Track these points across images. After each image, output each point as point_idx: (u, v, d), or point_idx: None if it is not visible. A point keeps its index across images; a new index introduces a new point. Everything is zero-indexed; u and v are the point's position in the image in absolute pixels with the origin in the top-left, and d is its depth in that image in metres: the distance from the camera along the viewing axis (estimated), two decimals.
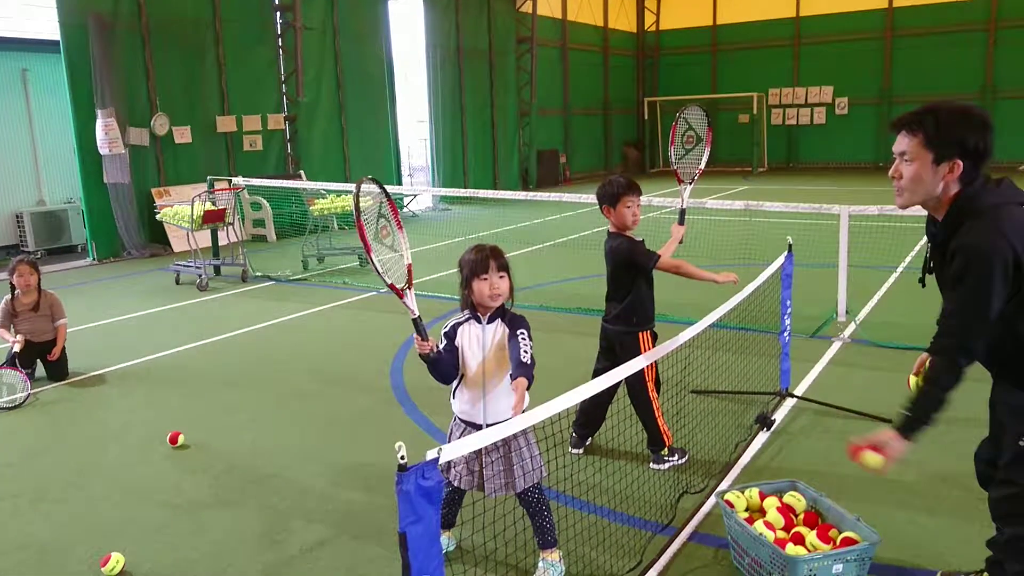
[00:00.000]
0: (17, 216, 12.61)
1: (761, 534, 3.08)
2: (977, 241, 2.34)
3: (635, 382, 4.07)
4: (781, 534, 3.17)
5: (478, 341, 3.10)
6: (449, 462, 2.89)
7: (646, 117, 27.01)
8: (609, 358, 4.20)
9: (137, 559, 3.51)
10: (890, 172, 2.54)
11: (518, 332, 3.04)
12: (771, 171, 25.04)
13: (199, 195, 9.79)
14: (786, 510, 3.32)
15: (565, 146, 23.99)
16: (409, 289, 2.87)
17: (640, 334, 4.15)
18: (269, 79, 14.67)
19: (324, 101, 15.58)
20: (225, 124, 13.81)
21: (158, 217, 11.00)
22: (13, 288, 6.20)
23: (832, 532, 3.13)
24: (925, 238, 2.67)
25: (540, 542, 3.25)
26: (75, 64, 11.57)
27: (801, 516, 3.31)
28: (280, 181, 13.11)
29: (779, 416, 4.88)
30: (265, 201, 13.28)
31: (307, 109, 15.16)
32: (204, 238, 10.86)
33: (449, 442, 3.00)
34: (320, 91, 15.46)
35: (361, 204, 2.79)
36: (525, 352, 2.95)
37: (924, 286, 2.74)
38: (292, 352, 6.80)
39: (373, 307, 8.40)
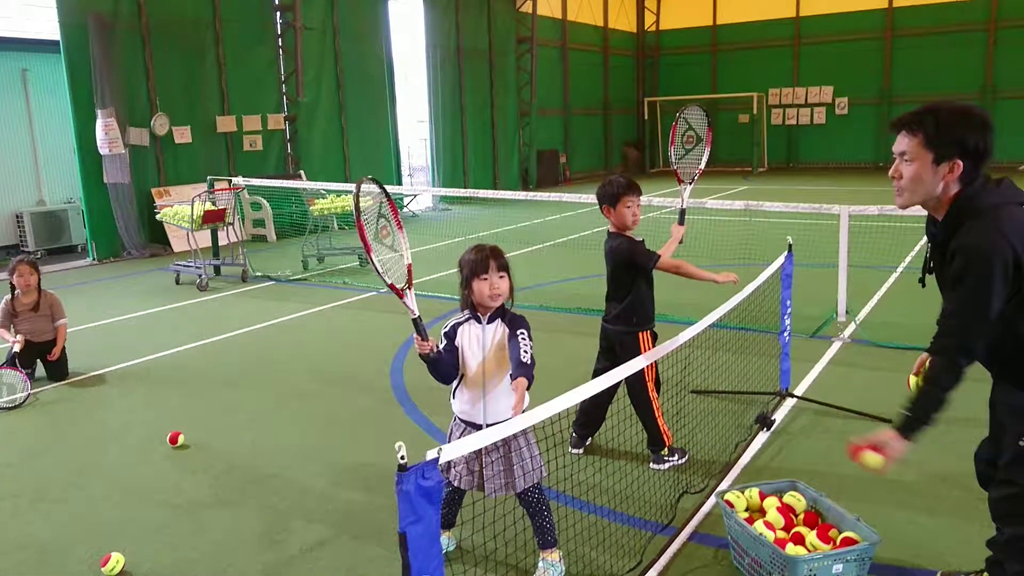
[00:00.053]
0: (17, 216, 12.61)
1: (761, 534, 3.08)
2: (977, 241, 2.33)
3: (635, 382, 4.07)
4: (781, 534, 3.17)
5: (478, 341, 3.10)
6: (449, 462, 2.89)
7: (646, 117, 27.01)
8: (609, 358, 4.20)
9: (137, 559, 3.51)
10: (890, 172, 2.54)
11: (518, 332, 3.04)
12: (771, 171, 25.04)
13: (199, 195, 9.79)
14: (786, 510, 3.32)
15: (565, 146, 23.99)
16: (409, 289, 2.87)
17: (640, 334, 4.15)
18: (269, 79, 14.67)
19: (324, 101, 15.58)
20: (225, 124, 13.82)
21: (158, 217, 11.00)
22: (13, 288, 6.20)
23: (832, 532, 3.13)
24: (925, 238, 2.67)
25: (540, 542, 3.25)
26: (75, 64, 11.57)
27: (801, 516, 3.31)
28: (280, 181, 13.11)
29: (779, 416, 4.88)
30: (265, 201, 13.28)
31: (307, 109, 15.17)
32: (204, 238, 10.86)
33: (449, 442, 3.00)
34: (320, 91, 15.46)
35: (361, 204, 2.79)
36: (525, 352, 2.95)
37: (924, 286, 2.74)
38: (292, 352, 6.81)
39: (373, 307, 8.40)
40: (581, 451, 4.45)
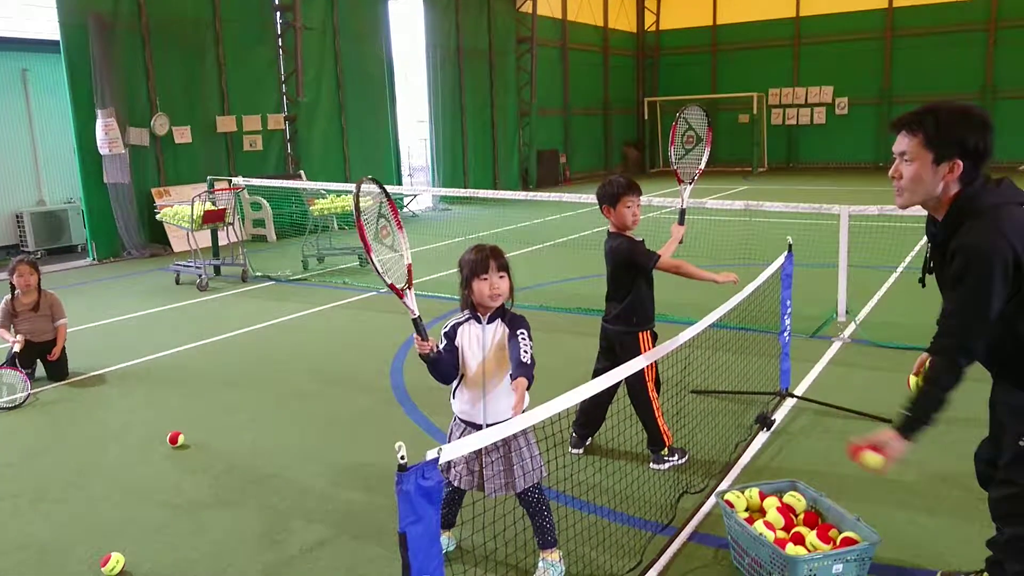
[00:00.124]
0: (17, 216, 12.61)
1: (761, 534, 3.08)
2: (977, 241, 2.33)
3: (635, 382, 4.07)
4: (781, 534, 3.17)
5: (478, 341, 3.10)
6: (449, 462, 2.89)
7: (646, 117, 27.01)
8: (609, 358, 4.20)
9: (137, 559, 3.51)
10: (890, 172, 2.54)
11: (518, 332, 3.04)
12: (771, 171, 25.04)
13: (199, 195, 9.79)
14: (786, 510, 3.32)
15: (565, 146, 23.99)
16: (409, 289, 2.87)
17: (640, 334, 4.15)
18: (269, 79, 14.67)
19: (324, 101, 15.58)
20: (225, 124, 13.82)
21: (158, 217, 11.00)
22: (13, 288, 6.20)
23: (832, 532, 3.13)
24: (925, 238, 2.66)
25: (540, 542, 3.25)
26: (75, 64, 11.57)
27: (801, 516, 3.31)
28: (280, 181, 13.11)
29: (779, 416, 4.88)
30: (265, 201, 13.28)
31: (307, 109, 15.17)
32: (204, 238, 10.86)
33: (449, 442, 3.00)
34: (320, 91, 15.46)
35: (361, 204, 2.79)
36: (525, 352, 2.95)
37: (924, 286, 2.74)
38: (292, 352, 6.81)
39: (373, 307, 8.40)
40: (581, 451, 4.45)
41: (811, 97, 25.48)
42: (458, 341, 3.13)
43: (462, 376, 3.14)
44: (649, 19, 28.05)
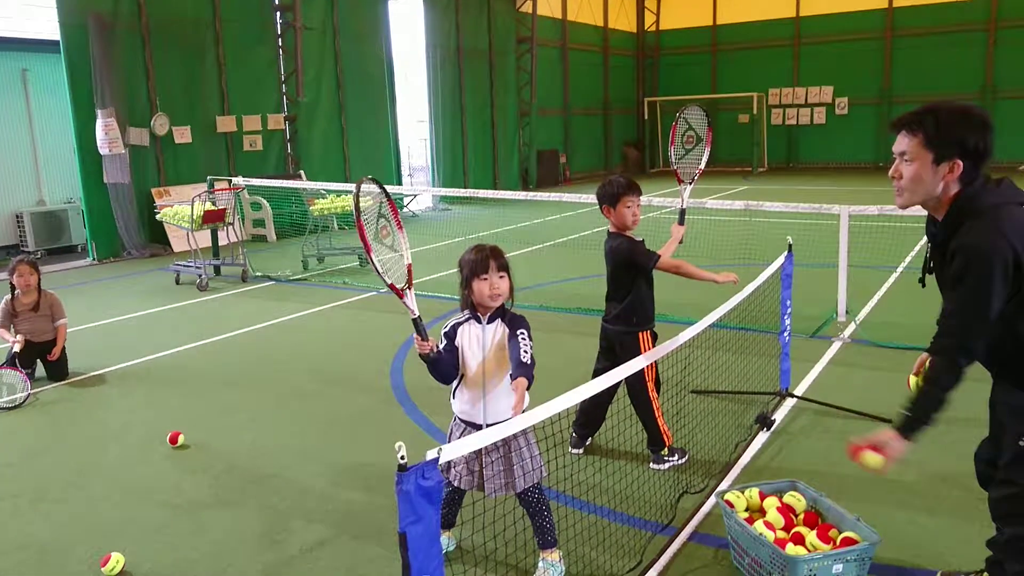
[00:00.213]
0: (17, 216, 12.61)
1: (761, 534, 3.08)
2: (977, 241, 2.33)
3: (635, 382, 4.07)
4: (781, 534, 3.16)
5: (478, 341, 3.10)
6: (449, 462, 2.89)
7: (646, 117, 27.01)
8: (609, 358, 4.20)
9: (137, 559, 3.51)
10: (890, 172, 2.54)
11: (518, 332, 3.04)
12: (771, 171, 25.04)
13: (199, 195, 9.80)
14: (786, 510, 3.32)
15: (565, 146, 23.99)
16: (409, 289, 2.87)
17: (640, 334, 4.15)
18: (269, 79, 14.67)
19: (324, 101, 15.58)
20: (225, 124, 13.81)
21: (158, 217, 11.00)
22: (13, 288, 6.20)
23: (832, 532, 3.13)
24: (925, 238, 2.66)
25: (540, 542, 3.25)
26: (75, 64, 11.56)
27: (801, 516, 3.31)
28: (280, 181, 13.10)
29: (779, 416, 4.88)
30: (265, 201, 13.28)
31: (307, 109, 15.16)
32: (204, 238, 10.86)
33: (449, 442, 3.00)
34: (320, 91, 15.46)
35: (361, 204, 2.79)
36: (525, 352, 2.95)
37: (924, 286, 2.74)
38: (292, 352, 6.80)
39: (373, 307, 8.40)
40: (581, 451, 4.45)
41: (811, 97, 25.48)
42: (458, 341, 3.13)
43: (462, 376, 3.14)
44: (649, 19, 28.06)
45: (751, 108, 24.96)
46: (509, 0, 20.77)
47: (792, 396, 5.15)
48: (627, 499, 3.86)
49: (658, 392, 4.24)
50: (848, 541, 3.02)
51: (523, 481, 3.11)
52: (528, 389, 2.82)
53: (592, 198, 4.55)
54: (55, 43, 11.56)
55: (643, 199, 4.28)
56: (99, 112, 11.72)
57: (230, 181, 10.91)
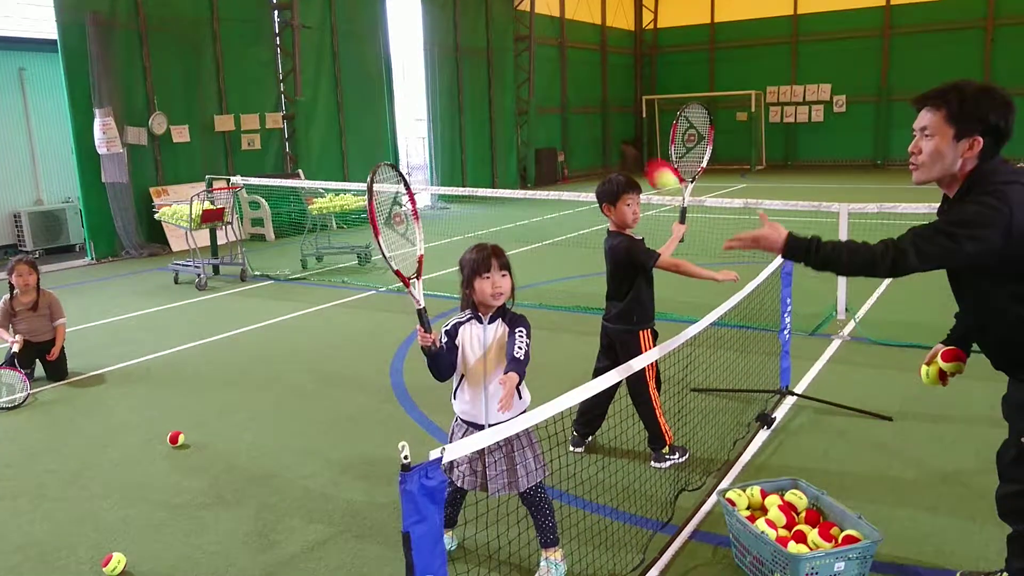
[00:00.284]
0: (15, 216, 12.58)
1: (763, 532, 3.08)
2: (983, 199, 2.34)
3: (636, 381, 4.07)
4: (783, 532, 3.16)
5: (479, 341, 3.10)
6: (451, 462, 2.89)
7: (644, 115, 27.01)
8: (610, 357, 4.20)
9: (137, 559, 3.51)
10: (910, 147, 2.54)
11: (516, 330, 3.05)
12: (769, 169, 25.06)
13: (197, 194, 9.79)
14: (788, 508, 3.31)
15: (563, 144, 23.99)
16: (417, 279, 2.86)
17: (641, 333, 4.14)
18: (267, 78, 14.65)
19: (322, 100, 15.56)
20: (223, 123, 13.80)
21: (156, 216, 10.98)
22: (12, 288, 6.19)
23: (834, 530, 3.13)
24: None
25: (542, 541, 3.25)
26: (73, 63, 11.54)
27: (803, 514, 3.31)
28: (278, 180, 13.09)
29: (779, 414, 4.88)
30: (264, 200, 13.26)
31: (305, 108, 15.14)
32: (203, 237, 10.85)
33: (451, 443, 2.99)
34: (318, 90, 15.45)
35: (375, 188, 2.79)
36: (519, 348, 2.96)
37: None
38: (291, 351, 6.80)
39: (372, 306, 8.39)
40: (582, 450, 4.45)
41: (809, 95, 25.48)
42: (459, 340, 3.13)
43: (463, 376, 3.14)
44: (647, 17, 28.05)
45: (749, 106, 24.96)
46: None
47: (792, 394, 5.15)
48: (628, 497, 3.86)
49: (659, 391, 4.24)
50: (850, 539, 3.02)
51: (526, 480, 3.11)
52: (519, 385, 2.80)
53: (591, 196, 4.55)
54: (53, 42, 11.53)
55: (642, 197, 4.28)
56: (97, 111, 11.69)
57: (228, 180, 10.89)
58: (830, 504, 3.30)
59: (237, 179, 10.98)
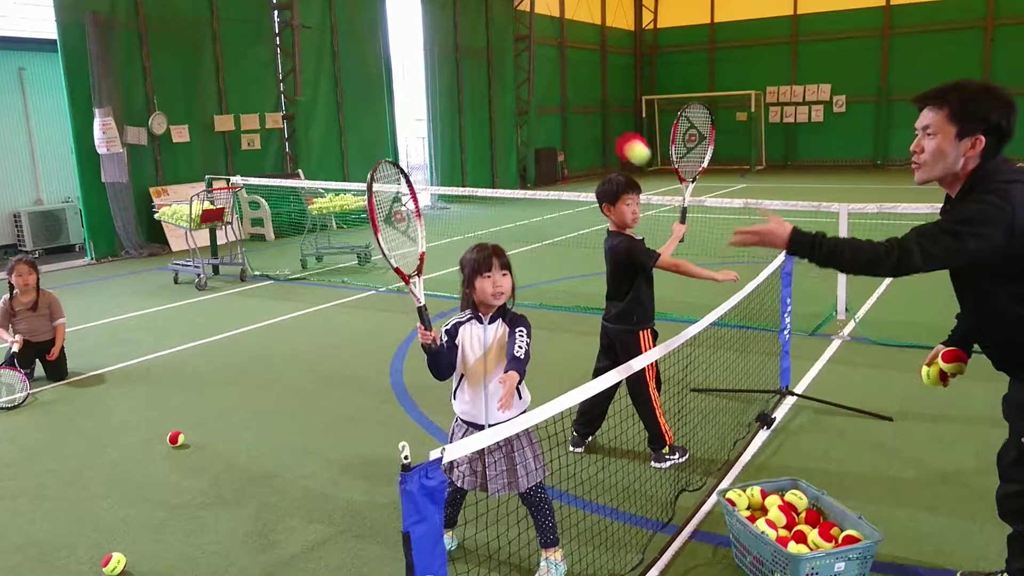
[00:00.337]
0: (15, 216, 12.58)
1: (763, 532, 3.08)
2: (987, 198, 2.34)
3: (636, 381, 4.07)
4: (783, 532, 3.16)
5: (479, 340, 3.09)
6: (452, 463, 2.89)
7: (644, 115, 27.00)
8: (610, 357, 4.20)
9: (137, 559, 3.51)
10: (912, 147, 2.54)
11: (517, 330, 3.05)
12: (769, 169, 25.06)
13: (197, 194, 9.78)
14: (788, 508, 3.31)
15: (563, 144, 23.98)
16: (418, 277, 2.87)
17: (640, 333, 4.14)
18: (267, 78, 14.65)
19: (322, 100, 15.56)
20: (223, 123, 13.79)
21: (156, 216, 10.98)
22: (11, 287, 6.18)
23: (834, 530, 3.12)
24: None
25: (542, 541, 3.25)
26: (72, 63, 11.53)
27: (803, 514, 3.30)
28: (278, 180, 13.09)
29: (779, 414, 4.88)
30: (263, 200, 13.26)
31: (305, 108, 15.14)
32: (202, 237, 10.84)
33: (451, 443, 2.99)
34: (318, 90, 15.44)
35: (375, 186, 2.79)
36: (520, 348, 2.96)
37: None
38: (291, 351, 6.80)
39: (372, 306, 8.39)
40: (582, 450, 4.44)
41: (809, 95, 25.48)
42: (459, 340, 3.13)
43: (463, 376, 3.14)
44: (647, 17, 28.05)
45: (749, 106, 24.96)
46: None
47: (792, 394, 5.15)
48: (628, 498, 3.85)
49: (659, 391, 4.24)
50: (850, 539, 3.02)
51: (526, 480, 3.11)
52: (519, 384, 2.80)
53: (590, 196, 4.55)
54: (52, 42, 11.53)
55: (642, 198, 4.27)
56: (97, 111, 11.69)
57: (228, 180, 10.89)
58: (830, 504, 3.30)
59: (237, 179, 10.98)
